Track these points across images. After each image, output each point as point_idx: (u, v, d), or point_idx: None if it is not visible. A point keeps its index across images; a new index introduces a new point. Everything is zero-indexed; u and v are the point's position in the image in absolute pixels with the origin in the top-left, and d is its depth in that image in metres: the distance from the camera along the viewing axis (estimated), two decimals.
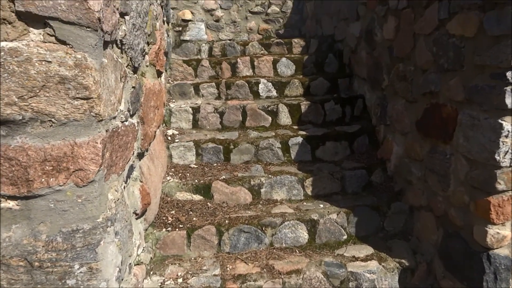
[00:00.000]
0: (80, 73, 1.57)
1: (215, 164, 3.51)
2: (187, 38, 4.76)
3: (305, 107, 3.97)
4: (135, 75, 2.33)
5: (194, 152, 3.52)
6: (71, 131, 1.61)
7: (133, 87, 2.22)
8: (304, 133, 3.71)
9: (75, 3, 1.53)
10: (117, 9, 1.90)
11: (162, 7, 3.83)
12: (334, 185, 3.32)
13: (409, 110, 3.07)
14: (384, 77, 3.51)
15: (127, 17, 2.10)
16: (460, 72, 2.44)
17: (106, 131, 1.75)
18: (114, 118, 1.87)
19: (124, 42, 2.03)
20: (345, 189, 3.34)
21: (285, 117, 3.94)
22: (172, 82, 4.31)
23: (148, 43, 2.70)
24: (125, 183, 2.13)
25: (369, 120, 3.92)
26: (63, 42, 1.55)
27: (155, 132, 2.82)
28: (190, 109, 3.86)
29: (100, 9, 1.62)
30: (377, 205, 3.09)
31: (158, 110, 2.86)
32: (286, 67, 4.59)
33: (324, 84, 4.33)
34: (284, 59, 4.59)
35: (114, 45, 1.94)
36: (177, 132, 3.75)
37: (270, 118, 3.94)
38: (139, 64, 2.36)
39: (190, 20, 5.89)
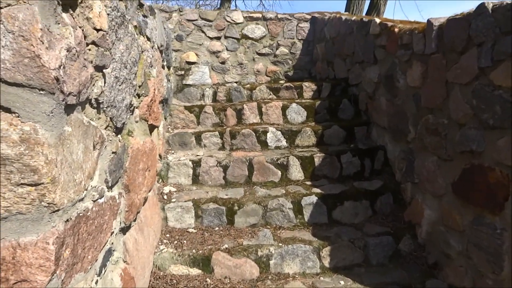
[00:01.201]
0: (27, 151, 1.16)
1: (217, 228, 3.04)
2: (189, 82, 4.45)
3: (319, 160, 3.54)
4: (118, 136, 1.94)
5: (193, 214, 3.07)
6: (14, 228, 1.18)
7: (113, 152, 1.82)
8: (318, 190, 3.25)
9: (24, 60, 1.15)
10: (91, 62, 1.53)
11: (161, 51, 3.51)
12: (355, 255, 2.82)
13: (443, 169, 2.62)
14: (409, 128, 3.09)
15: (107, 70, 1.73)
16: (511, 131, 2.01)
17: (66, 221, 1.32)
18: (82, 200, 1.45)
19: (100, 101, 1.64)
20: (368, 259, 2.83)
21: (296, 171, 3.51)
22: (172, 131, 3.94)
23: (138, 95, 2.33)
24: (99, 275, 1.68)
25: (392, 175, 3.46)
26: (7, 110, 1.15)
27: (146, 197, 2.39)
28: (190, 163, 3.44)
29: (60, 66, 1.24)
30: (409, 283, 2.58)
31: (150, 172, 2.45)
32: (297, 114, 4.21)
33: (339, 132, 3.92)
34: (294, 104, 4.22)
35: (87, 105, 1.55)
36: (174, 189, 3.32)
37: (279, 173, 3.50)
38: (123, 123, 1.97)
39: (194, 63, 5.62)
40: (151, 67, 2.70)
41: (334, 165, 3.55)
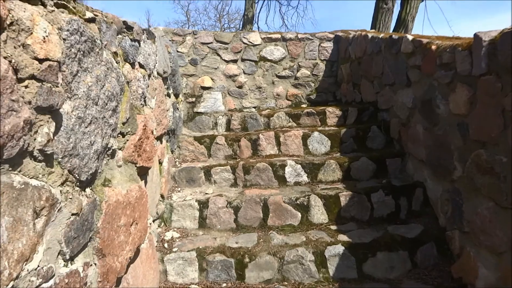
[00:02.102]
0: None
1: (224, 285, 2.57)
2: (201, 110, 4.08)
3: (346, 199, 3.04)
4: (86, 191, 1.54)
5: (197, 267, 2.62)
6: None
7: (74, 214, 1.41)
8: (346, 238, 2.74)
9: None
10: (28, 102, 1.14)
11: (165, 79, 3.16)
12: None
13: (503, 219, 2.07)
14: (455, 164, 2.55)
15: (63, 110, 1.34)
16: None
17: None
18: None
19: (48, 151, 1.25)
20: None
21: (319, 213, 3.01)
22: (179, 165, 3.54)
23: (122, 134, 1.94)
24: None
25: (434, 218, 2.91)
26: None
27: (131, 257, 1.96)
28: (196, 204, 3.02)
29: None
30: None
31: (138, 225, 2.03)
32: (319, 143, 3.73)
33: (368, 165, 3.40)
34: (316, 133, 3.75)
35: (26, 160, 1.16)
36: (178, 235, 2.89)
37: (299, 215, 3.01)
38: (93, 173, 1.56)
39: (210, 88, 5.27)
40: (144, 98, 2.33)
41: (364, 206, 3.03)
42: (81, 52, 1.46)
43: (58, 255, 1.33)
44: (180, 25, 20.03)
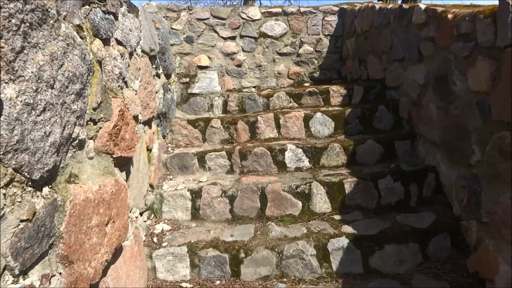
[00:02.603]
0: None
1: (218, 282, 2.36)
2: (196, 91, 3.80)
3: (350, 186, 2.79)
4: (44, 190, 1.31)
5: (188, 264, 2.41)
6: None
7: (23, 220, 1.18)
8: (350, 229, 2.51)
9: None
10: None
11: (152, 57, 2.89)
12: None
13: None
14: (473, 147, 2.28)
15: (8, 93, 1.10)
16: None
17: None
18: None
19: None
20: None
21: (321, 202, 2.78)
22: (172, 151, 3.31)
23: (94, 121, 1.69)
24: None
25: (447, 206, 2.66)
26: None
27: (107, 260, 1.75)
28: (188, 194, 2.79)
29: None
30: None
31: (115, 224, 1.80)
32: (322, 125, 3.46)
33: (375, 148, 3.14)
34: (319, 114, 3.48)
35: None
36: (169, 228, 2.67)
37: (300, 204, 2.78)
38: (49, 169, 1.33)
39: (207, 67, 4.98)
40: (123, 79, 2.06)
41: (370, 193, 2.79)
42: (27, 24, 1.20)
43: (3, 272, 1.11)
44: (183, 2, 19.28)
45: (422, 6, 2.90)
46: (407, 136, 3.19)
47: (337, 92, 3.86)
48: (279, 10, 5.13)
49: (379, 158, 3.13)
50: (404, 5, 3.25)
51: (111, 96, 1.86)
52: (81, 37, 1.57)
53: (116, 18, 2.07)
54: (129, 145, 2.02)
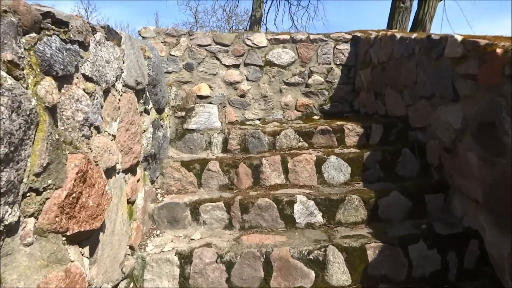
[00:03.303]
0: None
1: None
2: (192, 126, 3.34)
3: (374, 253, 2.28)
4: None
5: None
6: None
7: None
8: None
9: None
10: None
11: (140, 91, 2.45)
12: None
13: None
14: None
15: None
16: None
17: None
18: None
19: None
20: None
21: (339, 272, 2.26)
22: (161, 199, 2.82)
23: (37, 192, 1.22)
24: None
25: (495, 281, 2.14)
26: None
27: None
28: (176, 259, 2.29)
29: None
30: None
31: None
32: (337, 170, 2.98)
33: (401, 202, 2.65)
34: (333, 157, 3.00)
35: None
36: None
37: (312, 274, 2.27)
38: None
39: (208, 96, 4.56)
40: (89, 126, 1.60)
41: (398, 261, 2.28)
42: None
43: None
44: (188, 27, 19.07)
45: (459, 38, 2.46)
46: (438, 188, 2.69)
47: (352, 131, 3.39)
48: (287, 37, 4.73)
49: (406, 214, 2.63)
50: (433, 35, 2.82)
51: (67, 153, 1.39)
52: (15, 78, 1.12)
53: (85, 48, 1.63)
54: (94, 213, 1.54)
